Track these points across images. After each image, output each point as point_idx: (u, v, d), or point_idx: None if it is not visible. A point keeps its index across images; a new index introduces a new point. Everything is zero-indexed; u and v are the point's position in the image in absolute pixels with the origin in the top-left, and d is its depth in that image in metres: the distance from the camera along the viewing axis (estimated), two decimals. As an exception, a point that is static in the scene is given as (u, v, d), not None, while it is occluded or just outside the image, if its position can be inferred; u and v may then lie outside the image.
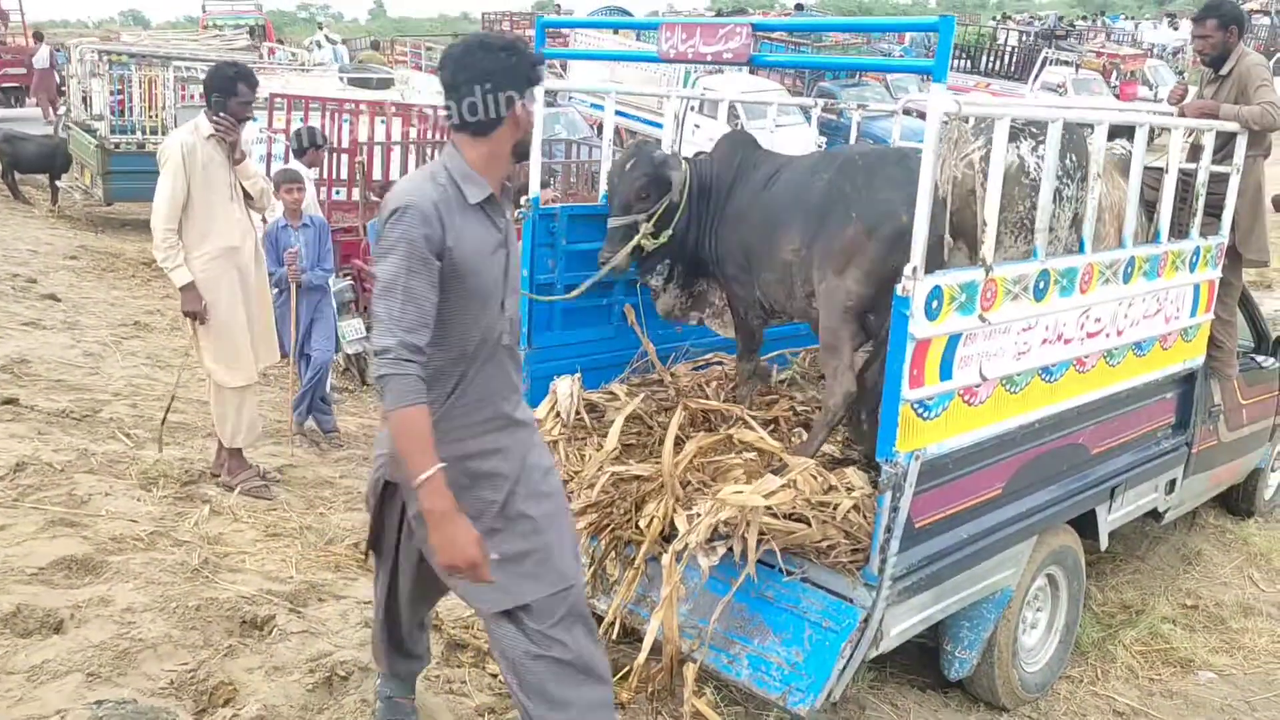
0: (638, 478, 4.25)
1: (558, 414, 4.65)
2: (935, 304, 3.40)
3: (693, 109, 20.50)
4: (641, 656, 3.65)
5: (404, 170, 10.32)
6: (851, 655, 3.47)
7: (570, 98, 21.32)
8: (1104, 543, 4.77)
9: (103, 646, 3.26)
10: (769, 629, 3.65)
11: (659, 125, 21.05)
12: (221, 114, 4.98)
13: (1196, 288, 4.89)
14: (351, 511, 5.16)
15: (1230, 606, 5.49)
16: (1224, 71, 5.08)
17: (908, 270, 3.28)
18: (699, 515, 3.79)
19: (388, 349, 2.46)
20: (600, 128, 18.30)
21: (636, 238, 4.32)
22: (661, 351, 5.17)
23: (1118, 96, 24.70)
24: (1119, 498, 4.78)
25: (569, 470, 4.39)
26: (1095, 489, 4.55)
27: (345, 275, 8.22)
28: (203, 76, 12.72)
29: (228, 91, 5.04)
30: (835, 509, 3.65)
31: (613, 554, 4.09)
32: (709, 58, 3.84)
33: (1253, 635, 5.21)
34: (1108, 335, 4.37)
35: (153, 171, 13.62)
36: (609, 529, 4.09)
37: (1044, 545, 4.34)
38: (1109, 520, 4.75)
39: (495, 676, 3.64)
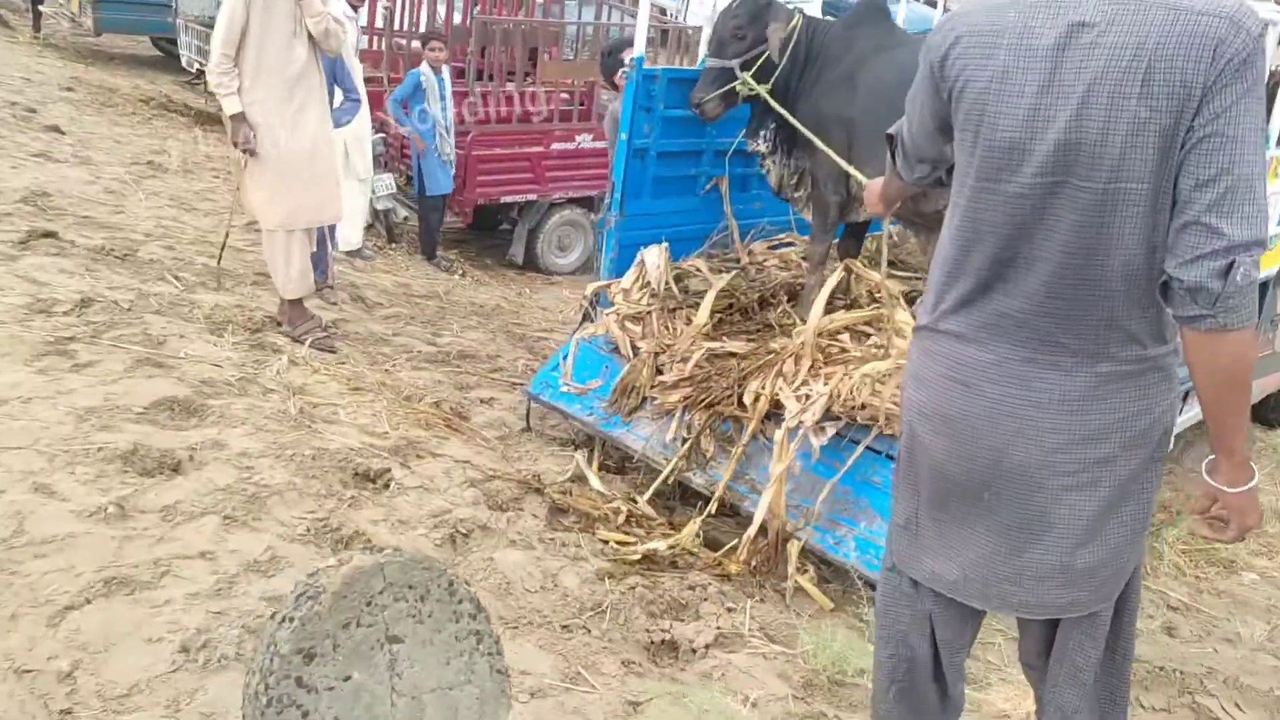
0: (733, 354, 4.23)
1: (646, 284, 4.58)
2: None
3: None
4: (752, 529, 3.68)
5: (432, 19, 9.89)
6: (962, 542, 3.52)
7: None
8: (1170, 444, 4.85)
9: (230, 490, 3.21)
10: (875, 514, 3.68)
11: (662, -8, 20.07)
12: None
13: (1287, 199, 4.87)
14: (417, 371, 5.09)
15: (1265, 511, 5.65)
16: None
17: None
18: (811, 395, 3.79)
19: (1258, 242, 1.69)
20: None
21: (734, 83, 4.10)
22: (741, 228, 5.09)
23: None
24: (1189, 400, 4.85)
25: (661, 343, 4.35)
26: (1172, 393, 4.60)
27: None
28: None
29: None
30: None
31: (708, 430, 4.08)
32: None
33: (1290, 541, 5.39)
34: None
35: (144, 3, 12.97)
36: (705, 404, 4.08)
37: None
38: (1177, 422, 4.82)
39: (606, 543, 3.66)
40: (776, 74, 4.10)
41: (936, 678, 2.25)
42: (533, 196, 8.56)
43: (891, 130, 2.20)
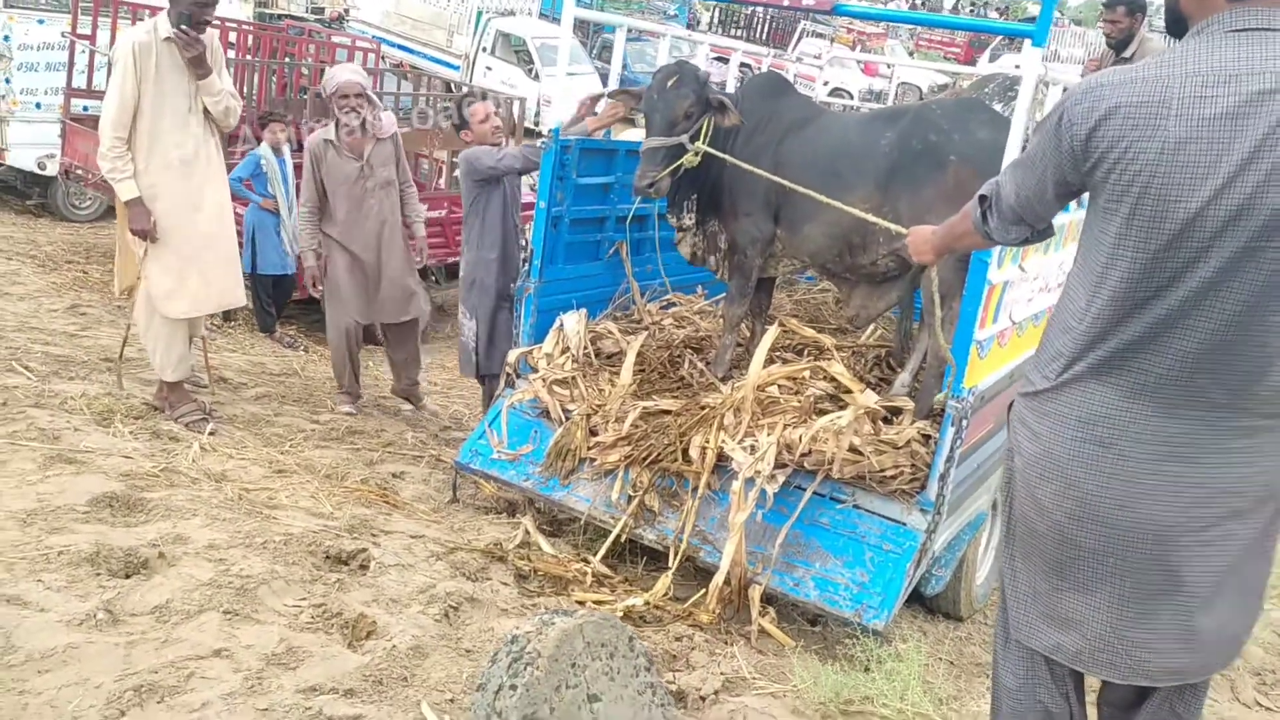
0: (665, 412, 4.38)
1: (566, 348, 4.66)
2: (1001, 252, 3.74)
3: (484, 50, 20.16)
4: (718, 578, 3.81)
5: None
6: (914, 574, 3.81)
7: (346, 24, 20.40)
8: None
9: (216, 584, 3.02)
10: (828, 553, 3.90)
11: (447, 64, 20.47)
12: (183, 27, 4.51)
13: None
14: (320, 450, 4.92)
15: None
16: (1126, 55, 5.74)
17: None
18: (759, 445, 3.98)
19: None
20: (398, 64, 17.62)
21: (683, 157, 4.18)
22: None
23: (863, 71, 26.40)
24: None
25: (592, 404, 4.44)
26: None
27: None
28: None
29: None
30: (904, 441, 3.93)
31: (652, 487, 4.19)
32: (785, 1, 3.91)
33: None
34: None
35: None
36: (649, 461, 4.19)
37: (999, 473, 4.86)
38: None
39: (583, 604, 3.69)
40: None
41: None
42: (370, 268, 8.40)
43: (985, 191, 2.30)
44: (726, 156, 4.19)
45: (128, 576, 3.00)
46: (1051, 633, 2.19)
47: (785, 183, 3.99)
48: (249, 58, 9.86)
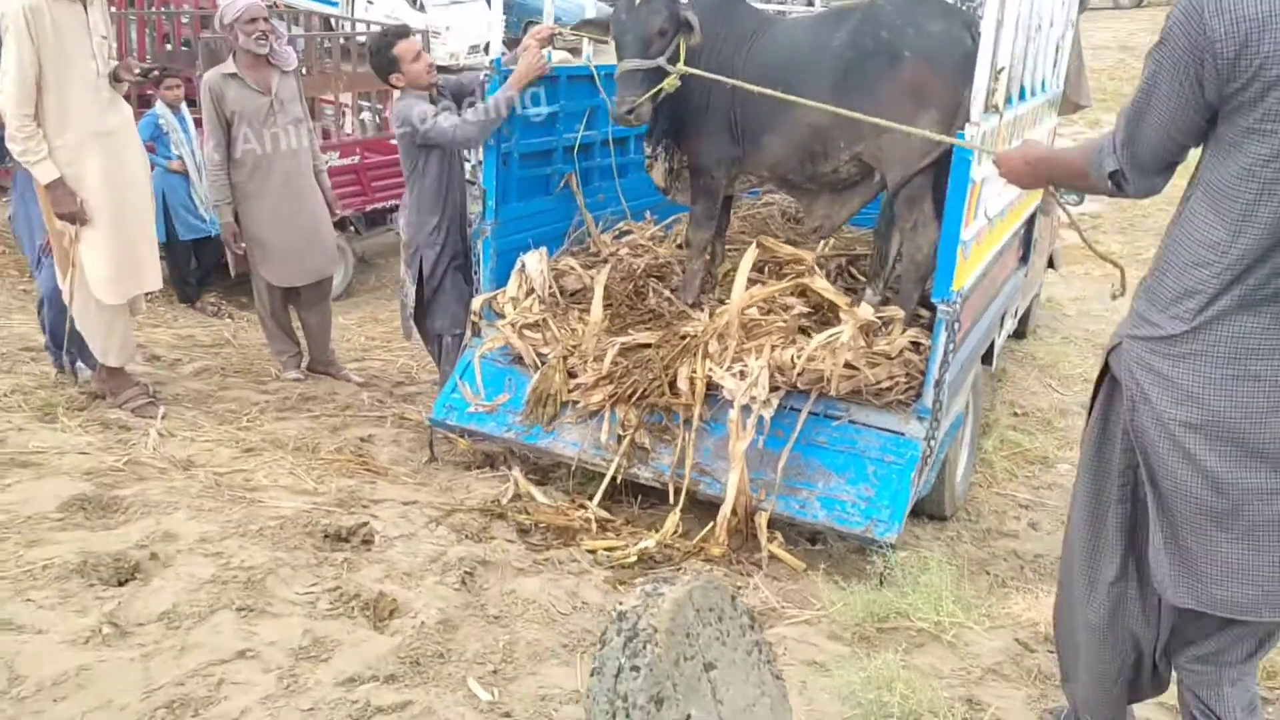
0: (643, 345, 4.25)
1: (531, 290, 4.48)
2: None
3: (363, -17, 19.23)
4: (725, 510, 3.74)
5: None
6: (919, 482, 3.79)
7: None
8: (994, 364, 5.43)
9: (220, 580, 2.83)
10: (830, 472, 3.86)
11: (329, 2, 19.53)
12: None
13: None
14: (281, 422, 4.67)
15: (1048, 410, 6.44)
16: None
17: (974, 115, 3.50)
18: (748, 370, 3.89)
19: None
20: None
21: (664, 81, 3.94)
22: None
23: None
24: (1004, 324, 5.45)
25: (567, 346, 4.28)
26: (999, 316, 5.15)
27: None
28: None
29: None
30: (897, 351, 3.88)
31: (641, 424, 4.07)
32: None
33: (1078, 431, 6.17)
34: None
35: None
36: (635, 398, 4.06)
37: (973, 371, 4.88)
38: (998, 344, 5.40)
39: (593, 552, 3.58)
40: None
41: (1155, 665, 2.31)
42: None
43: (1112, 167, 2.10)
44: (717, 76, 3.95)
45: (122, 584, 2.78)
46: (1214, 589, 2.05)
47: (795, 99, 3.74)
48: (122, 10, 9.19)
